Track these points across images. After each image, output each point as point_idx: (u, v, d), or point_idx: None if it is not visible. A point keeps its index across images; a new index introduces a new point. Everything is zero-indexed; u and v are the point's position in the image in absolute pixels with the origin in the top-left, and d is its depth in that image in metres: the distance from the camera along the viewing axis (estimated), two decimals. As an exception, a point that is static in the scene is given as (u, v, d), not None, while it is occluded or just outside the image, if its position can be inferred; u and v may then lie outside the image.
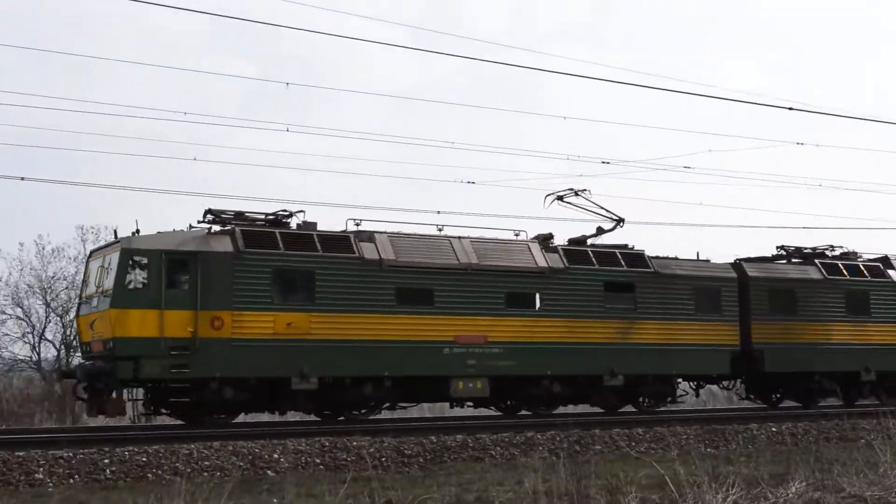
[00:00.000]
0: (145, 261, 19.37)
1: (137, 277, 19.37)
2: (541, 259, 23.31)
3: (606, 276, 24.06)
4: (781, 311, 26.65)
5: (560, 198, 25.54)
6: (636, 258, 24.80)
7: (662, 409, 25.80)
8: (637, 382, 24.46)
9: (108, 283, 19.42)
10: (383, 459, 17.14)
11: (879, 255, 29.32)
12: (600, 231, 25.87)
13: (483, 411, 24.67)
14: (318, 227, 21.62)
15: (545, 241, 24.22)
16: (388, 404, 22.24)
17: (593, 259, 24.12)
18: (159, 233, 20.01)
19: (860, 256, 29.26)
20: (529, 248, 23.48)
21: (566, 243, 24.86)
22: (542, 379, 23.08)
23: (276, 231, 20.78)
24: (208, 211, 20.81)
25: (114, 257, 19.46)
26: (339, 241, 21.25)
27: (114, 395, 19.26)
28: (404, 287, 21.64)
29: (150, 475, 15.32)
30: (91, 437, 17.57)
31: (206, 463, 15.94)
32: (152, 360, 19.01)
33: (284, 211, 21.53)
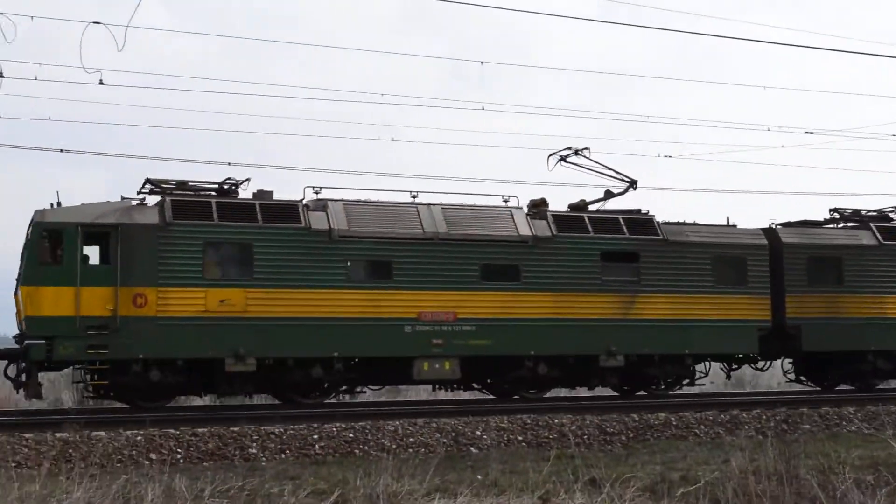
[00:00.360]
0: (60, 234, 18.15)
1: (51, 252, 18.17)
2: (524, 227, 20.94)
3: (604, 244, 21.46)
4: (823, 281, 23.39)
5: (563, 158, 23.11)
6: (642, 224, 22.08)
7: (677, 392, 23.06)
8: (642, 363, 21.80)
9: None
10: (585, 437, 17.39)
11: None
12: (608, 195, 23.28)
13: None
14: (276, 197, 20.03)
15: (536, 206, 21.85)
16: (344, 387, 20.43)
17: (589, 226, 21.55)
18: (83, 204, 18.73)
19: None
20: (513, 215, 21.13)
21: (567, 209, 22.41)
22: (524, 359, 20.77)
23: (213, 201, 19.21)
24: (147, 181, 19.44)
25: (30, 231, 18.33)
26: (283, 211, 19.48)
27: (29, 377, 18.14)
28: (357, 259, 19.74)
29: (357, 451, 15.87)
30: (300, 413, 17.97)
31: (411, 439, 16.41)
32: (67, 341, 17.77)
33: (231, 179, 19.95)
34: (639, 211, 22.80)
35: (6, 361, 18.64)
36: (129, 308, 18.13)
